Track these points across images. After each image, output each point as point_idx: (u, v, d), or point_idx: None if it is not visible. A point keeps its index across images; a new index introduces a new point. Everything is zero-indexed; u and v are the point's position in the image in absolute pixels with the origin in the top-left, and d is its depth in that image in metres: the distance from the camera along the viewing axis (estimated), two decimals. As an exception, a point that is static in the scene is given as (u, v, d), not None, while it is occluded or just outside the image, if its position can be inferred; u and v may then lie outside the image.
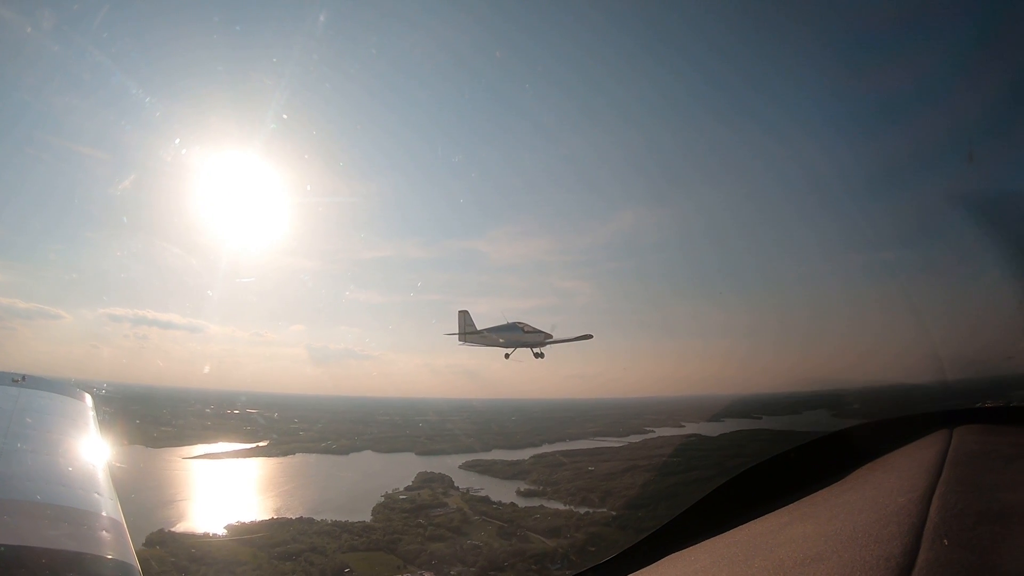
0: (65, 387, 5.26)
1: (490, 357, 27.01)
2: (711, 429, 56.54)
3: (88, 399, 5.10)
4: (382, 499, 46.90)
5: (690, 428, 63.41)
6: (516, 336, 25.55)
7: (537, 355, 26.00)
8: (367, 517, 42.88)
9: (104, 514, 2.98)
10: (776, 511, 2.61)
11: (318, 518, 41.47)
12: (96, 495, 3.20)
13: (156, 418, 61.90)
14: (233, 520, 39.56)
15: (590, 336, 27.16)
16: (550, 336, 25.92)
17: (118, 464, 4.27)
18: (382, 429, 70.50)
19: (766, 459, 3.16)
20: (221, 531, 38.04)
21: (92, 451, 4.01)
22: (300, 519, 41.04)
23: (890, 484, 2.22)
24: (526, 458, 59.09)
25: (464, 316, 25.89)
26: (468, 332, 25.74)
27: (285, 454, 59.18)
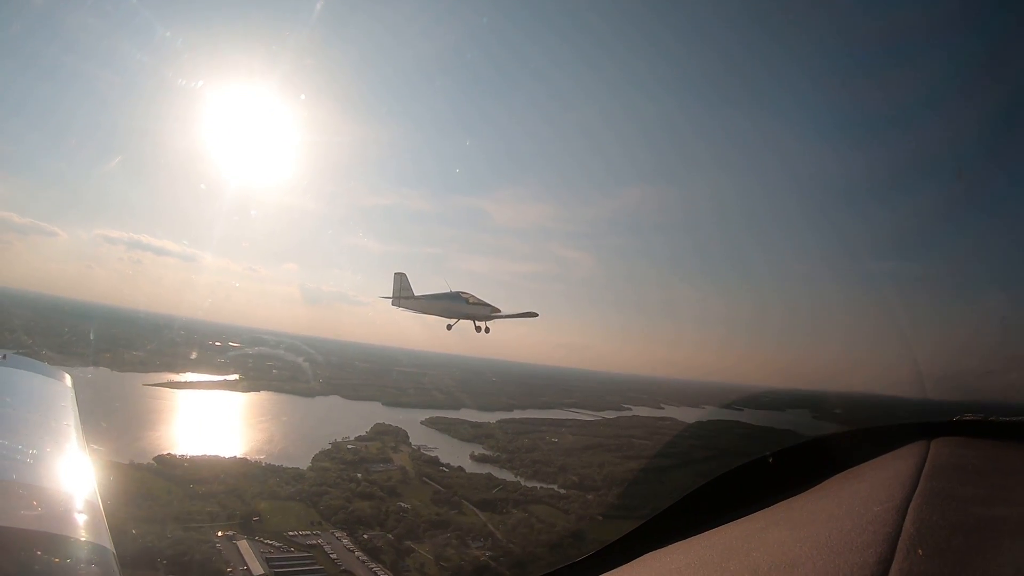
0: (46, 367, 5.22)
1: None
2: (689, 415, 53.48)
3: (68, 379, 5.06)
4: (329, 447, 45.47)
5: (669, 411, 60.33)
6: (458, 307, 23.88)
7: (479, 330, 24.12)
8: (306, 464, 41.53)
9: (81, 496, 2.92)
10: (752, 515, 2.51)
11: (252, 459, 40.23)
12: (73, 477, 3.17)
13: (131, 342, 61.83)
14: (165, 451, 38.61)
15: (535, 314, 25.50)
16: (497, 310, 24.14)
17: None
18: (357, 375, 69.36)
19: (743, 463, 3.01)
20: (148, 461, 37.09)
21: (71, 432, 3.87)
22: (233, 459, 39.82)
23: (866, 493, 2.21)
24: (492, 421, 57.04)
25: (400, 279, 24.16)
26: (403, 297, 23.99)
27: (249, 390, 58.47)
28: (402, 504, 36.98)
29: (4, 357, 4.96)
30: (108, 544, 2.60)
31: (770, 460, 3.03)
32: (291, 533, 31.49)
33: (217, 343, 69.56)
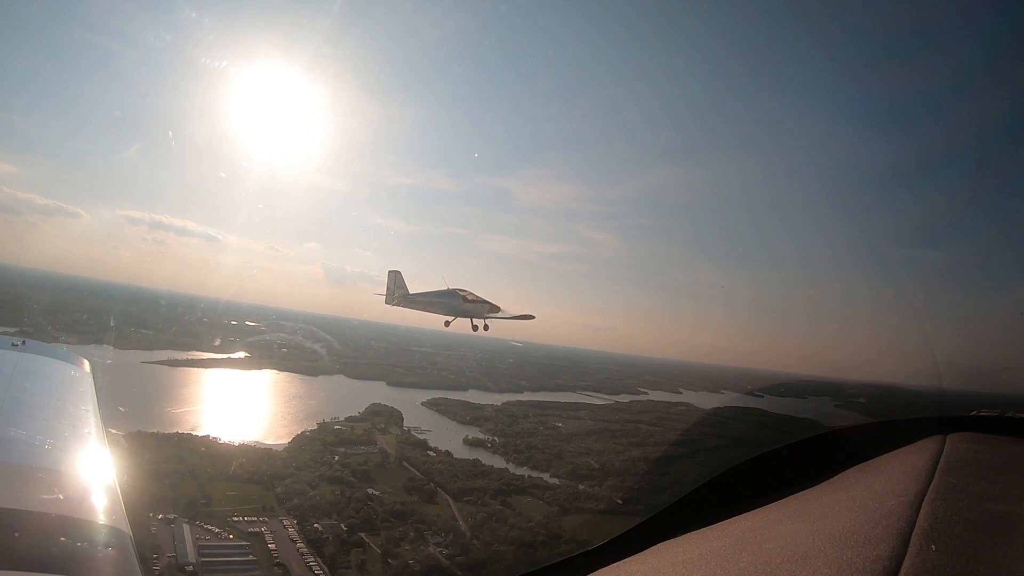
0: (65, 353, 5.22)
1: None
2: (707, 401, 47.97)
3: (87, 365, 5.03)
4: (315, 427, 43.25)
5: (687, 396, 54.82)
6: (455, 304, 23.04)
7: (476, 328, 23.16)
8: (283, 445, 39.39)
9: (99, 480, 2.96)
10: (766, 507, 2.48)
11: (224, 439, 38.38)
12: (92, 461, 3.20)
13: (144, 321, 62.36)
14: (135, 428, 37.32)
15: (531, 317, 24.89)
16: (496, 309, 23.20)
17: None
18: (368, 355, 67.35)
19: (757, 455, 2.95)
20: (116, 437, 35.87)
21: (90, 418, 3.88)
22: (206, 438, 38.08)
23: (881, 487, 2.21)
24: (497, 403, 53.23)
25: (395, 277, 23.31)
26: (398, 295, 23.20)
27: (253, 368, 57.52)
28: (371, 491, 33.96)
29: (23, 343, 4.86)
30: (126, 528, 2.58)
31: (784, 452, 2.98)
32: (235, 518, 29.06)
33: (233, 322, 69.21)
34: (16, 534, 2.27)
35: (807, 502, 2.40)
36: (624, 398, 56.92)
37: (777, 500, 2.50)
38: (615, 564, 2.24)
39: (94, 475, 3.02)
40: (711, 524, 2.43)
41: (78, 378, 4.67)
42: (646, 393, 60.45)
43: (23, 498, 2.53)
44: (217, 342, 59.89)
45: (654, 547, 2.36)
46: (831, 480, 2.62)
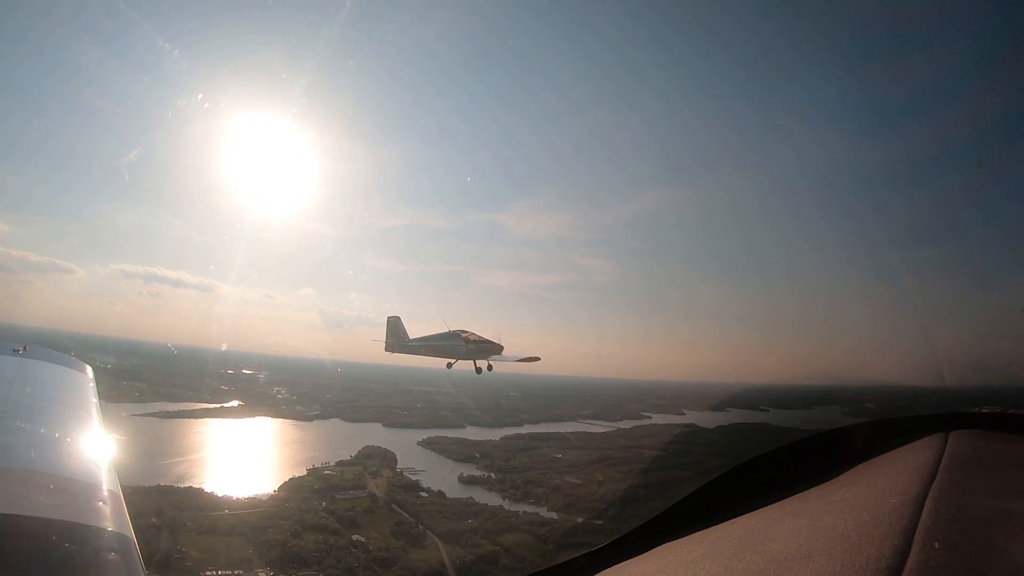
0: (66, 358, 5.13)
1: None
2: (711, 420, 45.74)
3: (89, 371, 4.98)
4: (304, 473, 41.72)
5: (690, 417, 52.71)
6: (457, 347, 22.17)
7: (479, 371, 22.16)
8: (268, 493, 37.83)
9: (102, 486, 2.91)
10: (769, 506, 2.47)
11: (208, 489, 36.94)
12: (95, 467, 3.13)
13: (138, 374, 61.82)
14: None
15: (537, 359, 24.10)
16: (500, 349, 22.25)
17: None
18: (366, 397, 65.91)
19: (761, 454, 2.95)
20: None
21: (92, 422, 3.81)
22: (188, 488, 36.73)
23: (884, 485, 2.21)
24: (496, 438, 51.35)
25: (394, 323, 22.90)
26: (398, 342, 22.69)
27: (246, 416, 56.28)
28: (356, 537, 32.20)
29: (25, 348, 4.77)
30: (129, 533, 2.55)
31: (787, 451, 2.97)
32: (209, 573, 27.42)
33: (229, 371, 68.54)
34: (19, 540, 2.23)
35: (810, 501, 2.38)
36: (626, 424, 54.87)
37: (780, 499, 2.47)
38: (619, 565, 2.20)
39: (97, 480, 2.94)
40: (714, 524, 2.40)
41: (80, 383, 4.62)
42: (649, 417, 58.36)
43: (26, 503, 2.49)
44: (211, 392, 58.97)
45: (657, 548, 2.33)
46: (834, 479, 2.59)
